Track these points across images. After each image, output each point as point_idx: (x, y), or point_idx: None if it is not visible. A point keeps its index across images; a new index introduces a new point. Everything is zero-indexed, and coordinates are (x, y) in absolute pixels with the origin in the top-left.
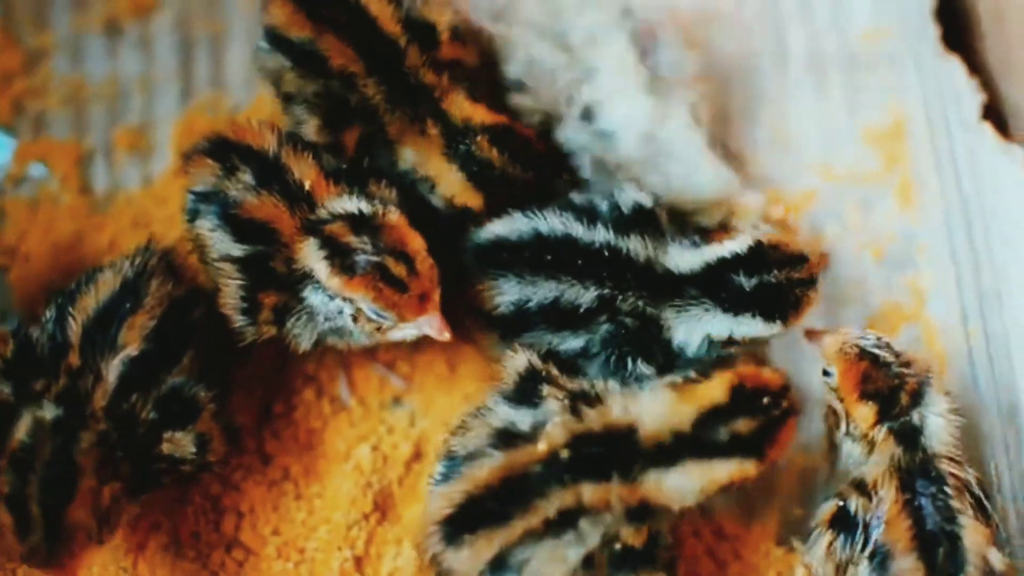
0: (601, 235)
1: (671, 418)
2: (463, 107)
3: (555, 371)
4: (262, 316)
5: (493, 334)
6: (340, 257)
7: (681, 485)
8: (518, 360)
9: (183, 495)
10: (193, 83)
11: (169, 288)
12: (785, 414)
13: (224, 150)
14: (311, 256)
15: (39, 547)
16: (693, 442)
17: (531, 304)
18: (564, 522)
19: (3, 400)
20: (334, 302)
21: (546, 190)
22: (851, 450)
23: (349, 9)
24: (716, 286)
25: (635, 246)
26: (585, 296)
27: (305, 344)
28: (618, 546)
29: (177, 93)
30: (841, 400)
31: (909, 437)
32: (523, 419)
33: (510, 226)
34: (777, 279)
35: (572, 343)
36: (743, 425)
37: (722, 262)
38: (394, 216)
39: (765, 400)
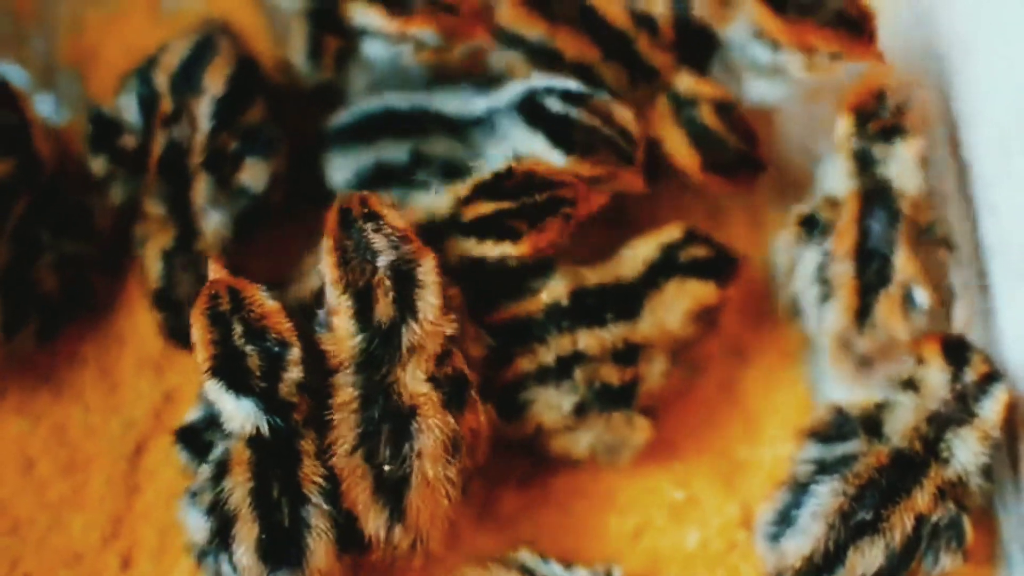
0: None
1: (643, 254)
2: (688, 81)
3: None
4: (325, 60)
5: None
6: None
7: (663, 310)
8: None
9: None
10: None
11: (236, 46)
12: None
13: None
14: (360, 10)
15: None
16: (662, 266)
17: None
18: (561, 370)
19: (107, 173)
20: (393, 49)
21: (753, 164)
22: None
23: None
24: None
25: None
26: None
27: (359, 86)
28: (597, 384)
29: None
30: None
31: (865, 163)
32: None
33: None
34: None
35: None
36: (697, 251)
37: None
38: None
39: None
